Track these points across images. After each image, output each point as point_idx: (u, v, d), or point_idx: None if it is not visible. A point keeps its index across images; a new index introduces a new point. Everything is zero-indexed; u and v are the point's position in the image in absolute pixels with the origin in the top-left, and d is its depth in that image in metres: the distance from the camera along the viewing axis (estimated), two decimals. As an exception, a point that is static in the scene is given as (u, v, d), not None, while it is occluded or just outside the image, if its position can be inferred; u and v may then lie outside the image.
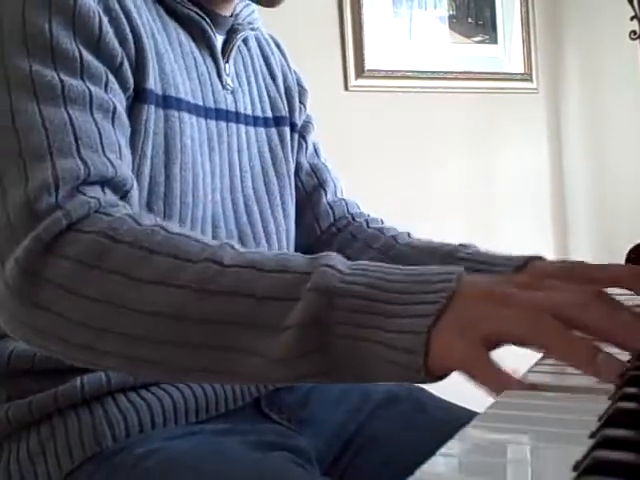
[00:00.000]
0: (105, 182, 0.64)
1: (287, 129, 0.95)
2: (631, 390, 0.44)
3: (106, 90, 0.70)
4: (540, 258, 0.83)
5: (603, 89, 2.75)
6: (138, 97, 0.74)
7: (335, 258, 0.55)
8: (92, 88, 0.68)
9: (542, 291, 0.51)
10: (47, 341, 0.61)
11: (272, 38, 1.01)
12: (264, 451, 0.72)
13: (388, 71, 2.53)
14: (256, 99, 0.91)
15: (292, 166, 0.95)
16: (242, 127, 0.87)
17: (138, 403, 0.74)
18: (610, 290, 0.72)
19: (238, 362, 0.54)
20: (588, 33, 2.79)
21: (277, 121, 0.94)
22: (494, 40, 2.75)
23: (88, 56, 0.69)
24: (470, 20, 2.71)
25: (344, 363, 0.52)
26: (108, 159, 0.65)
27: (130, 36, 0.73)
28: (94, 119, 0.67)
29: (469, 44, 2.70)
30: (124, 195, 0.66)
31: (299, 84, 1.01)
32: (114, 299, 0.56)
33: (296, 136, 0.98)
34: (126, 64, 0.73)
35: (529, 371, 0.54)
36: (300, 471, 0.71)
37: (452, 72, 2.64)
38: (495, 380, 0.48)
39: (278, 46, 1.01)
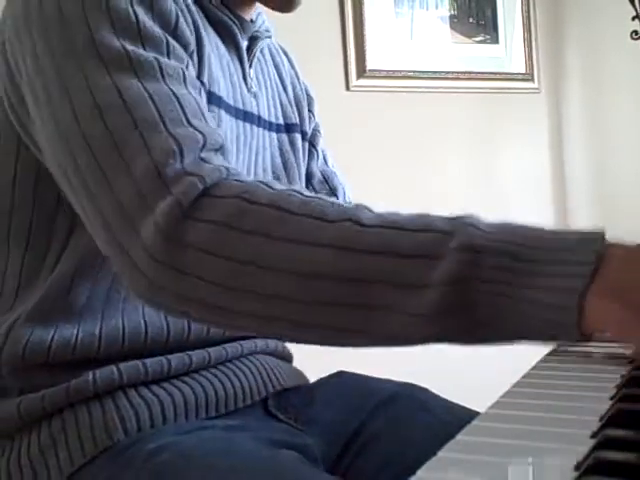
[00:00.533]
0: (216, 148, 0.66)
1: (298, 136, 0.97)
2: (632, 391, 0.44)
3: (188, 69, 0.72)
4: None
5: (604, 89, 2.74)
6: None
7: (477, 218, 0.55)
8: (181, 66, 0.70)
9: None
10: (188, 306, 0.61)
11: (281, 48, 1.04)
12: (274, 448, 0.73)
13: (389, 71, 2.53)
14: (271, 105, 0.94)
15: (303, 172, 0.97)
16: (261, 131, 0.89)
17: (149, 398, 0.75)
18: None
19: (383, 320, 0.54)
20: (589, 33, 2.79)
21: (288, 128, 0.96)
22: (495, 40, 2.75)
23: (171, 39, 0.71)
24: (471, 20, 2.71)
25: (489, 322, 0.52)
26: (211, 127, 0.67)
27: (193, 29, 0.76)
28: (189, 92, 0.69)
29: (470, 44, 2.70)
30: (229, 160, 0.68)
31: (307, 93, 1.03)
32: (256, 259, 0.57)
33: (307, 145, 1.00)
34: (195, 54, 0.76)
35: (533, 369, 0.54)
36: (309, 470, 0.71)
37: (453, 72, 2.64)
38: None
39: (287, 56, 1.03)
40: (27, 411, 0.74)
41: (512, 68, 2.76)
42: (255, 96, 0.89)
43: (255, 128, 0.88)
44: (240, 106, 0.85)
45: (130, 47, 0.68)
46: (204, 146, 0.64)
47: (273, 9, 0.89)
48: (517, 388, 0.49)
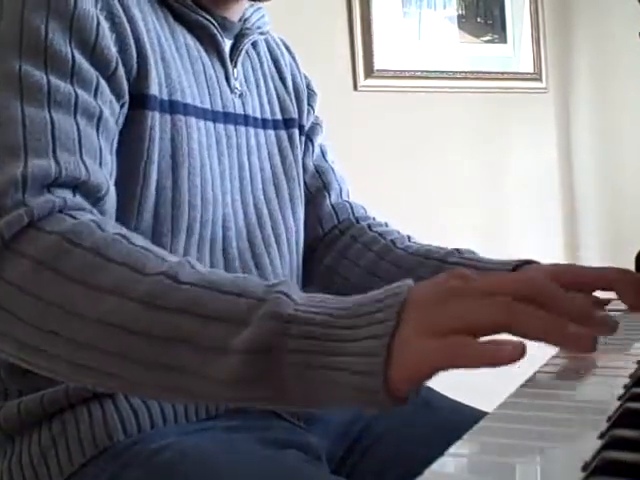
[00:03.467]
0: (77, 185, 0.64)
1: (296, 131, 0.95)
2: (640, 391, 0.44)
3: (95, 95, 0.70)
4: (533, 262, 0.85)
5: (613, 88, 2.74)
6: (141, 103, 0.75)
7: (292, 287, 0.54)
8: (79, 92, 0.68)
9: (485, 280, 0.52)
10: (2, 342, 0.59)
11: (282, 41, 1.02)
12: (276, 448, 0.73)
13: (397, 71, 2.52)
14: (265, 102, 0.92)
15: (301, 168, 0.96)
16: (251, 130, 0.88)
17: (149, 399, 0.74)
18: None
19: (185, 382, 0.53)
20: (598, 32, 2.78)
21: (287, 123, 0.94)
22: (503, 40, 2.74)
23: (81, 60, 0.69)
24: (479, 20, 2.70)
25: (295, 390, 0.51)
26: (84, 163, 0.65)
27: (132, 42, 0.74)
28: (76, 122, 0.67)
29: (478, 44, 2.69)
30: (96, 201, 0.66)
31: (308, 87, 1.02)
32: (66, 303, 0.56)
33: (303, 138, 0.99)
34: (121, 71, 0.73)
35: (540, 369, 0.54)
36: (312, 469, 0.71)
37: (461, 72, 2.64)
38: (489, 352, 0.46)
39: (288, 49, 1.02)
40: (27, 412, 0.74)
41: (520, 68, 2.76)
42: (242, 96, 0.88)
43: (242, 128, 0.86)
44: (219, 108, 0.84)
45: (26, 66, 0.66)
46: (56, 180, 0.62)
47: (258, 0, 0.89)
48: (524, 388, 0.49)
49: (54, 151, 0.64)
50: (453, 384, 1.18)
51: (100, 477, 0.70)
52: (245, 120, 0.87)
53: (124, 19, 0.74)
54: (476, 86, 2.65)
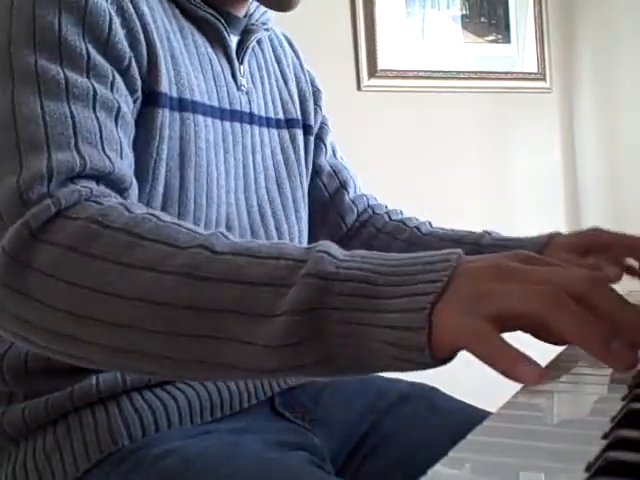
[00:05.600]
0: (101, 177, 0.64)
1: (299, 131, 0.95)
2: (644, 391, 0.44)
3: (112, 89, 0.70)
4: (559, 234, 0.89)
5: (617, 88, 2.73)
6: (152, 101, 0.75)
7: (331, 246, 0.53)
8: (97, 86, 0.68)
9: (546, 266, 0.50)
10: (33, 333, 0.59)
11: (285, 37, 1.01)
12: (281, 450, 0.73)
13: (401, 71, 2.52)
14: (269, 100, 0.92)
15: (304, 168, 0.96)
16: (256, 128, 0.88)
17: (153, 402, 0.74)
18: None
19: (231, 352, 0.51)
20: (602, 32, 2.78)
21: (289, 123, 0.94)
22: (507, 39, 2.74)
23: (95, 55, 0.69)
24: (483, 19, 2.70)
25: (341, 351, 0.49)
26: (107, 155, 0.65)
27: (142, 39, 0.74)
28: (96, 116, 0.67)
29: (482, 43, 2.69)
30: (120, 193, 0.66)
31: (313, 85, 1.01)
32: (102, 286, 0.55)
33: (311, 139, 0.99)
34: (135, 66, 0.73)
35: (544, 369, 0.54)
36: (317, 471, 0.71)
37: (465, 72, 2.63)
38: (505, 357, 0.45)
39: (291, 45, 1.02)
40: (32, 416, 0.74)
41: (524, 67, 2.75)
42: (248, 93, 0.87)
43: (247, 126, 0.86)
44: (227, 106, 0.83)
45: (42, 62, 0.66)
46: (81, 172, 0.62)
47: (271, 8, 0.89)
48: (528, 388, 0.49)
49: (76, 144, 0.64)
50: (456, 384, 1.18)
51: None
52: (250, 118, 0.87)
53: (134, 15, 0.74)
54: (480, 86, 2.65)
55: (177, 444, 0.70)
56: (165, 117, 0.75)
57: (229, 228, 0.82)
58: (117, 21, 0.72)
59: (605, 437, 0.37)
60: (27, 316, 0.58)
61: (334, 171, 1.03)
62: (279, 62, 0.97)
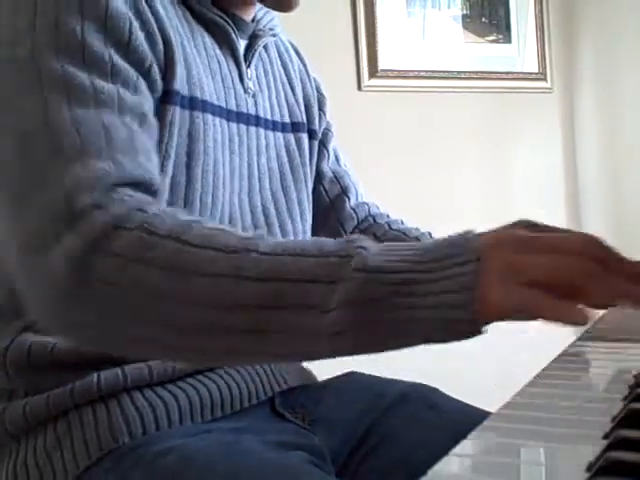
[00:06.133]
0: (136, 184, 0.65)
1: (304, 135, 0.96)
2: (645, 391, 0.43)
3: (135, 93, 0.71)
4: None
5: (617, 88, 2.73)
6: (164, 98, 0.75)
7: (364, 239, 0.58)
8: (122, 91, 0.69)
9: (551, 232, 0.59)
10: (94, 339, 0.63)
11: (292, 45, 1.02)
12: (281, 450, 0.73)
13: (401, 71, 2.52)
14: (275, 104, 0.93)
15: (309, 171, 0.96)
16: (262, 130, 0.89)
17: (154, 400, 0.75)
18: None
19: (290, 343, 0.56)
20: (603, 31, 2.77)
21: (294, 127, 0.95)
22: (508, 39, 2.74)
23: (118, 59, 0.70)
24: (484, 19, 2.70)
25: (391, 334, 0.55)
26: (138, 162, 0.66)
27: (160, 39, 0.75)
28: (124, 122, 0.67)
29: (483, 43, 2.69)
30: (153, 197, 0.67)
31: (318, 91, 1.02)
32: (162, 292, 0.58)
33: (316, 143, 0.99)
34: (155, 67, 0.74)
35: (545, 370, 0.54)
36: (317, 471, 0.71)
37: (466, 72, 2.63)
38: (560, 309, 0.52)
39: (298, 53, 1.02)
40: (33, 413, 0.74)
41: (525, 67, 2.75)
42: (254, 96, 0.88)
43: (253, 129, 0.87)
44: (234, 107, 0.84)
45: (69, 68, 0.67)
46: (120, 180, 0.64)
47: (271, 8, 0.89)
48: (529, 388, 0.49)
49: (110, 153, 0.64)
50: (456, 384, 1.18)
51: (104, 479, 0.70)
52: (257, 121, 0.88)
53: (151, 17, 0.74)
54: (481, 86, 2.65)
55: (177, 442, 0.71)
56: (176, 114, 0.76)
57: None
58: (136, 25, 0.72)
59: (606, 437, 0.37)
60: (89, 322, 0.61)
61: (336, 177, 1.03)
62: (285, 67, 0.98)
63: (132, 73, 0.71)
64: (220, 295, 0.56)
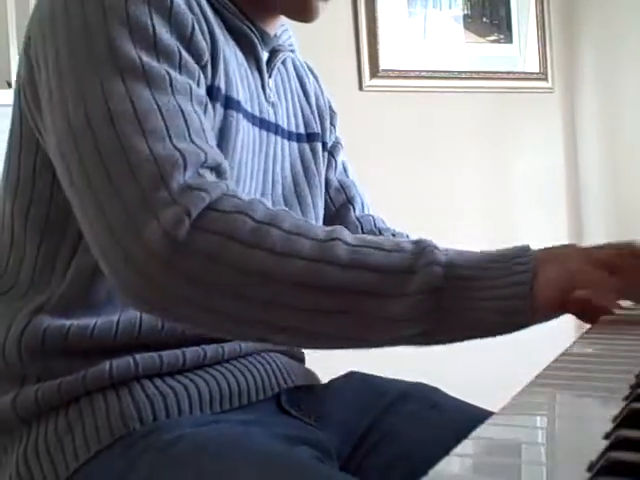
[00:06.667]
0: (214, 167, 0.69)
1: (319, 144, 0.99)
2: (646, 391, 0.43)
3: (198, 85, 0.75)
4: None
5: (618, 88, 2.73)
6: (208, 93, 0.78)
7: (431, 240, 0.67)
8: (190, 82, 0.73)
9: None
10: (193, 311, 0.65)
11: (307, 64, 1.06)
12: (288, 444, 0.74)
13: (402, 71, 2.53)
14: (291, 115, 0.95)
15: (323, 180, 0.99)
16: (279, 139, 0.91)
17: (164, 389, 0.76)
18: None
19: (368, 325, 0.64)
20: (604, 31, 2.78)
21: (310, 137, 0.98)
22: (509, 39, 2.74)
23: (184, 52, 0.74)
24: (485, 19, 2.70)
25: (457, 320, 0.64)
26: (211, 146, 0.70)
27: (209, 38, 0.78)
28: (195, 110, 0.71)
29: (484, 43, 2.69)
30: (227, 181, 0.70)
31: (330, 108, 1.05)
32: (260, 272, 0.63)
33: (326, 154, 1.02)
34: (209, 63, 0.78)
35: (545, 370, 0.54)
36: (324, 466, 0.72)
37: (467, 72, 2.64)
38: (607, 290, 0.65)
39: (312, 71, 1.06)
40: (45, 399, 0.75)
41: (526, 67, 2.76)
42: (273, 106, 0.91)
43: (272, 136, 0.90)
44: (257, 113, 0.87)
45: (145, 58, 0.70)
46: (204, 163, 0.67)
47: (293, 19, 0.91)
48: (530, 388, 0.49)
49: (190, 136, 0.69)
50: (456, 384, 1.18)
51: (115, 464, 0.71)
52: (276, 129, 0.91)
53: (201, 16, 0.78)
54: (482, 86, 2.65)
55: (188, 430, 0.72)
56: (214, 110, 0.79)
57: None
58: (195, 21, 0.76)
59: (607, 437, 0.37)
60: (188, 296, 0.64)
61: (342, 187, 1.05)
62: (301, 81, 1.01)
63: (194, 66, 0.75)
64: (315, 277, 0.63)
